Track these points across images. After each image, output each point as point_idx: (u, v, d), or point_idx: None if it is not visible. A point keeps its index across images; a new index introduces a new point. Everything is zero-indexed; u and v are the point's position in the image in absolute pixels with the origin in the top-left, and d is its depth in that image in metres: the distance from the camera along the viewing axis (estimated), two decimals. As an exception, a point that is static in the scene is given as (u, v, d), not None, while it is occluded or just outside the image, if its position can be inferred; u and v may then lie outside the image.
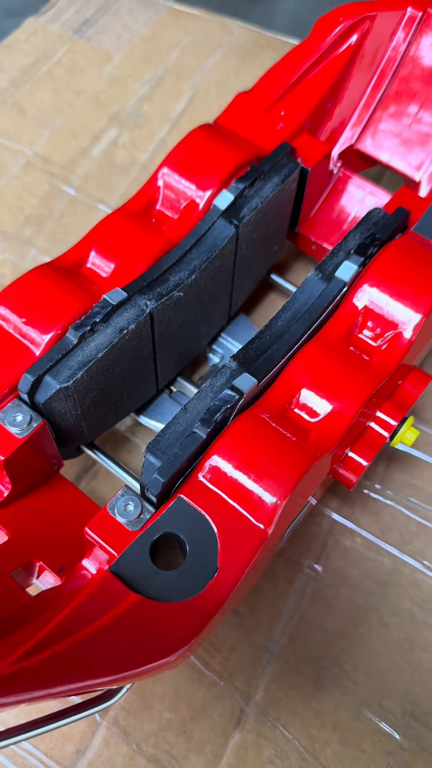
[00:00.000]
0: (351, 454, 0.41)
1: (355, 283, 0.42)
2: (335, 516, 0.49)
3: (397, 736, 0.42)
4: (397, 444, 0.43)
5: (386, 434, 0.41)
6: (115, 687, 0.33)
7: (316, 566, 0.47)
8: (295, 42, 0.73)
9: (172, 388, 0.51)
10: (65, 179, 0.64)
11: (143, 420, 0.50)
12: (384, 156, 0.54)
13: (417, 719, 0.43)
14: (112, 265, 0.44)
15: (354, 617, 0.45)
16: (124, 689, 0.34)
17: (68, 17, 0.75)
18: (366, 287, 0.42)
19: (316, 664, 0.44)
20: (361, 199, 0.55)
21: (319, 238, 0.55)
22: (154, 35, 0.73)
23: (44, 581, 0.38)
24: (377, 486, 0.50)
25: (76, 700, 0.39)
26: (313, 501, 0.45)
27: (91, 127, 0.67)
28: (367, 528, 0.48)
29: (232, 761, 0.41)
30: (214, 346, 0.54)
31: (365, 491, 0.50)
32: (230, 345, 0.54)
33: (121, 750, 0.41)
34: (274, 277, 0.56)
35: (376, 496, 0.50)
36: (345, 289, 0.42)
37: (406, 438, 0.42)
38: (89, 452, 0.46)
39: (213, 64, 0.71)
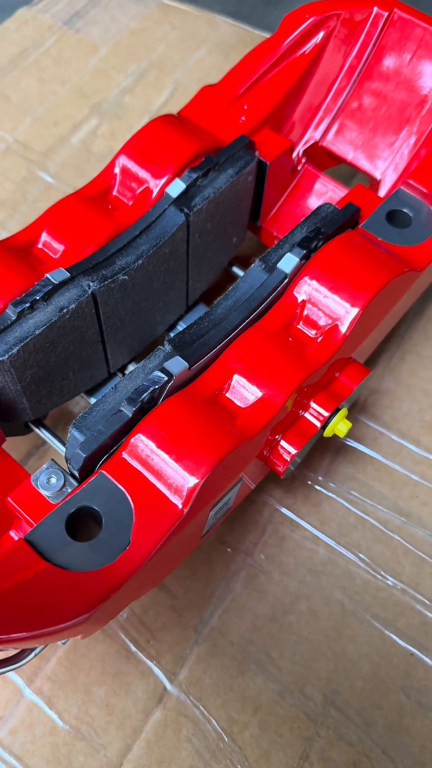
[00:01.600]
0: (282, 441, 0.42)
1: (297, 275, 0.43)
2: (276, 505, 0.50)
3: (316, 724, 0.43)
4: (330, 435, 0.43)
5: (318, 424, 0.42)
6: (22, 647, 0.34)
7: (253, 552, 0.48)
8: (282, 41, 0.74)
9: (126, 372, 0.52)
10: (42, 166, 0.65)
11: (94, 402, 0.51)
12: (348, 154, 0.54)
13: (337, 708, 0.43)
14: (62, 247, 0.45)
15: (285, 604, 0.46)
16: (33, 653, 0.35)
17: (60, 8, 0.76)
18: (306, 279, 0.42)
19: (242, 648, 0.45)
20: (324, 196, 0.55)
21: (281, 233, 0.55)
22: (142, 29, 0.74)
23: (-28, 549, 0.40)
24: (320, 478, 0.50)
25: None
26: (251, 485, 0.46)
27: (72, 117, 0.68)
28: (307, 518, 0.49)
29: (150, 737, 0.42)
30: (172, 334, 0.55)
31: (308, 482, 0.50)
32: (188, 334, 0.55)
33: (43, 719, 0.42)
34: (236, 269, 0.57)
35: (318, 488, 0.50)
36: (286, 280, 0.43)
37: (339, 429, 0.43)
38: (38, 431, 0.47)
39: (197, 60, 0.72)
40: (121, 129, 0.67)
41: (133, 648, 0.44)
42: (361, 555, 0.48)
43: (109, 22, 0.75)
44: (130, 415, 0.37)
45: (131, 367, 0.52)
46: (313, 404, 0.42)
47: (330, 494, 0.50)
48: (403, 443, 0.52)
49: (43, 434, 0.47)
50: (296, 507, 0.50)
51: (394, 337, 0.56)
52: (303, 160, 0.55)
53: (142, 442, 0.37)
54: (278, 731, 0.42)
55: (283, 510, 0.50)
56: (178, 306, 0.53)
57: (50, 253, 0.45)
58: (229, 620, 0.46)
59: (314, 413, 0.42)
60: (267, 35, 0.74)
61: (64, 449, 0.46)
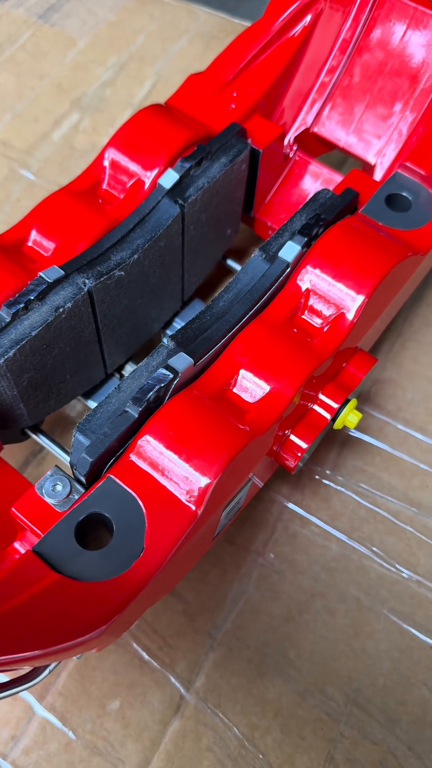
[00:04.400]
0: (291, 436, 0.40)
1: (299, 263, 0.42)
2: (285, 502, 0.48)
3: (339, 724, 0.42)
4: (340, 427, 0.42)
5: (328, 416, 0.41)
6: (36, 665, 0.33)
7: (264, 552, 0.46)
8: (263, 29, 0.72)
9: (123, 373, 0.51)
10: (24, 163, 0.63)
11: (92, 405, 0.49)
12: (340, 140, 0.53)
13: (359, 707, 0.42)
14: (54, 244, 0.43)
15: (300, 603, 0.45)
16: (47, 670, 0.34)
17: (33, 2, 0.74)
18: (309, 268, 0.41)
19: (259, 650, 0.43)
20: (318, 183, 0.54)
21: (275, 223, 0.54)
22: (120, 21, 0.73)
23: (-25, 563, 0.38)
24: (328, 472, 0.49)
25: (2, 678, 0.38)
26: (260, 483, 0.44)
27: (53, 112, 0.66)
28: (317, 514, 0.48)
29: (170, 748, 0.41)
30: (168, 331, 0.53)
31: (316, 477, 0.49)
32: (184, 330, 0.53)
33: (57, 736, 0.41)
34: (230, 262, 0.55)
35: (326, 482, 0.49)
36: (288, 269, 0.42)
37: (349, 421, 0.41)
38: (35, 437, 0.46)
39: (178, 50, 0.70)
40: (103, 123, 0.65)
41: (146, 656, 0.43)
42: (374, 548, 0.47)
43: (85, 15, 0.73)
44: (136, 416, 0.36)
45: (129, 368, 0.51)
46: (321, 396, 0.41)
47: (339, 488, 0.49)
48: (409, 432, 0.51)
49: (41, 440, 0.45)
50: (305, 503, 0.48)
51: (394, 324, 0.55)
52: (294, 148, 0.53)
53: (149, 444, 0.35)
54: (301, 734, 0.41)
55: (292, 506, 0.48)
56: (173, 302, 0.52)
57: (41, 252, 0.43)
58: (244, 623, 0.44)
59: (323, 405, 0.41)
60: (247, 24, 0.72)
61: (63, 455, 0.45)
